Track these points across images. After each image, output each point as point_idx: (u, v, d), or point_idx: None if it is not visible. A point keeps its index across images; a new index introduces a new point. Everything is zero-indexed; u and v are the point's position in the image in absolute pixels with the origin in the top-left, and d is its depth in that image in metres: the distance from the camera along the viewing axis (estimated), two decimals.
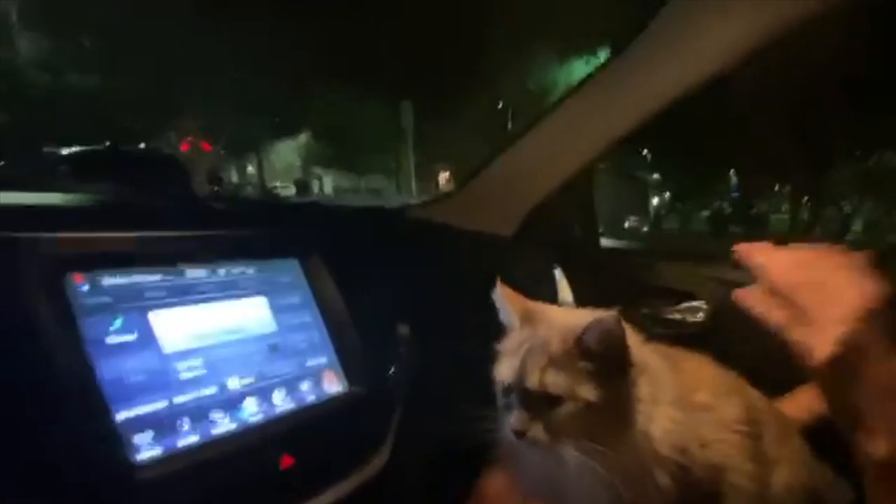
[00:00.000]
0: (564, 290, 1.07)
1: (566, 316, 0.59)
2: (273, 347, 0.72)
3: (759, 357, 0.64)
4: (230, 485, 0.60)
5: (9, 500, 0.48)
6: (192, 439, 0.60)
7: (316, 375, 0.75)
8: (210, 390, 0.63)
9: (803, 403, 0.77)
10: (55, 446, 0.50)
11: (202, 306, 0.67)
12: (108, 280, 0.59)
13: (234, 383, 0.66)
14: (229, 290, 0.70)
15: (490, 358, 0.59)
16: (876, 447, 0.47)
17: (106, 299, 0.58)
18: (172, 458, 0.57)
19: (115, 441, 0.54)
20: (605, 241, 1.29)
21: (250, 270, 0.74)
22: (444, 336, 0.86)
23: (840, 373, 0.46)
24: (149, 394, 0.58)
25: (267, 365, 0.70)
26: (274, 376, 0.70)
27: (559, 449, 0.53)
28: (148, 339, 0.60)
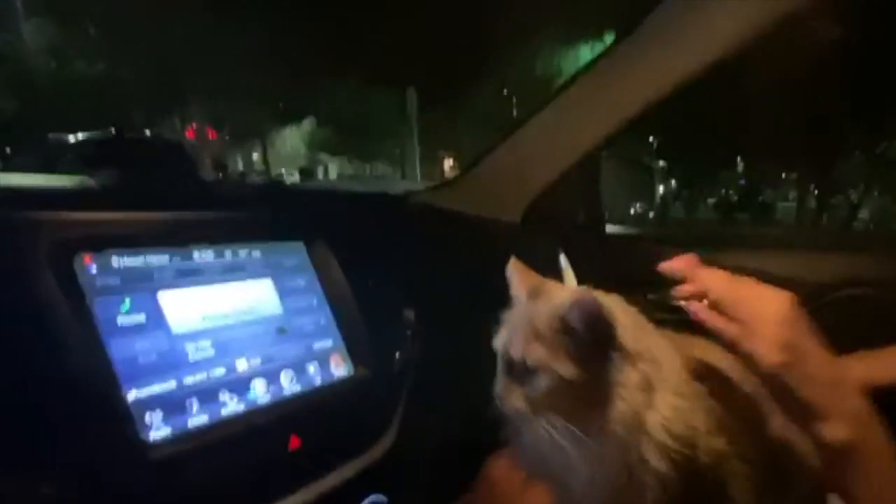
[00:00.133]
0: (569, 276, 1.07)
1: (567, 294, 0.59)
2: (280, 330, 0.72)
3: None
4: (239, 465, 0.61)
5: (24, 478, 0.48)
6: (202, 419, 0.61)
7: (322, 358, 0.76)
8: (219, 371, 0.64)
9: None
10: (69, 425, 0.51)
11: (210, 288, 0.67)
12: (117, 261, 0.60)
13: (242, 365, 0.66)
14: (236, 273, 0.71)
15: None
16: (835, 433, 0.50)
17: (115, 280, 0.59)
18: (182, 438, 0.58)
19: (127, 420, 0.54)
20: (610, 228, 1.29)
21: (256, 253, 0.74)
22: (449, 321, 0.86)
23: (788, 373, 0.51)
24: (159, 374, 0.59)
25: (274, 347, 0.71)
26: (281, 358, 0.71)
27: (534, 421, 0.55)
28: (157, 319, 0.61)
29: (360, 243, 0.85)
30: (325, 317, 0.79)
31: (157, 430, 0.57)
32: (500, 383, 0.56)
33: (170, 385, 0.59)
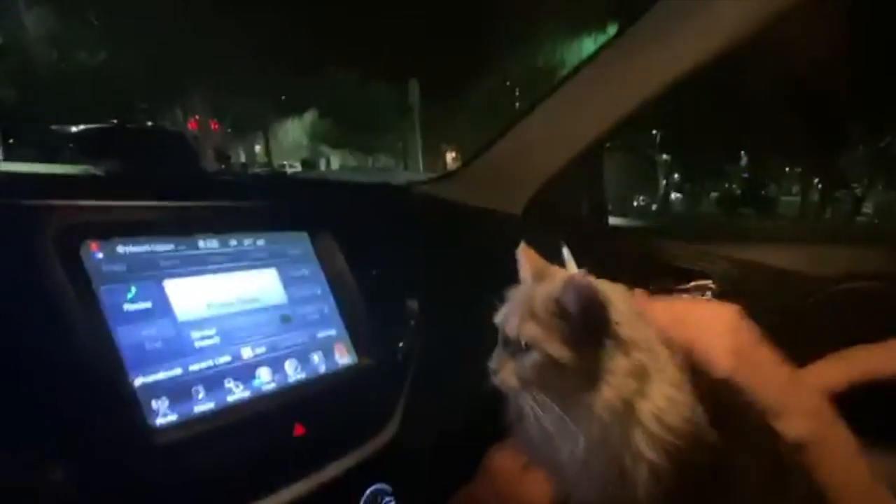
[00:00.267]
0: (572, 268, 1.07)
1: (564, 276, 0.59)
2: (285, 318, 0.73)
3: (767, 336, 0.64)
4: (244, 451, 0.62)
5: (31, 463, 0.49)
6: (207, 406, 0.61)
7: (326, 347, 0.76)
8: (224, 359, 0.65)
9: (813, 381, 0.77)
10: (76, 411, 0.51)
11: (215, 276, 0.68)
12: (123, 248, 0.60)
13: (247, 352, 0.67)
14: (241, 261, 0.71)
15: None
16: (795, 429, 0.53)
17: (121, 267, 0.59)
18: (188, 424, 0.59)
19: (134, 406, 0.55)
20: (613, 220, 1.28)
21: (261, 242, 0.74)
22: (451, 311, 0.87)
23: (741, 377, 0.54)
24: (165, 361, 0.59)
25: (279, 335, 0.71)
26: (285, 347, 0.71)
27: (522, 397, 0.56)
28: (163, 307, 0.61)
29: (363, 233, 0.85)
30: (329, 306, 0.79)
31: (164, 416, 0.58)
32: (495, 358, 0.58)
33: (176, 372, 0.60)
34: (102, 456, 0.52)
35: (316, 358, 0.74)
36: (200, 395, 0.61)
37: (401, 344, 0.82)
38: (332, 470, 0.68)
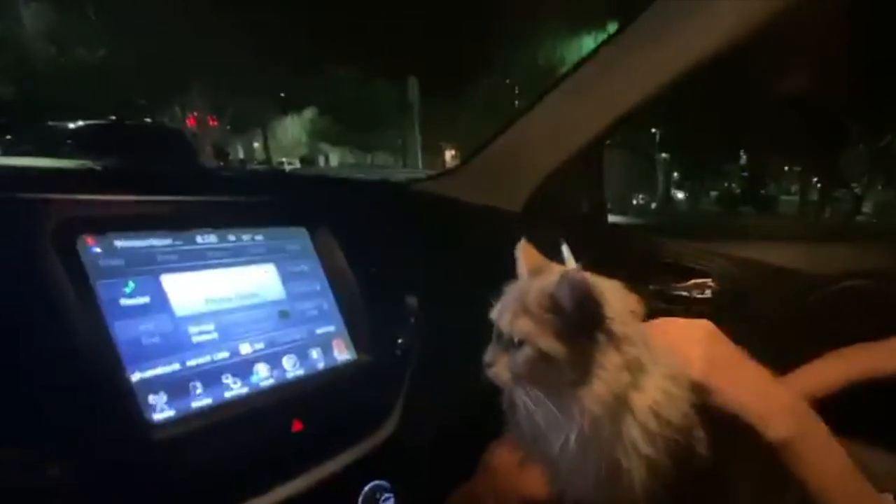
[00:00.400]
0: (571, 265, 1.07)
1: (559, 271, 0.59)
2: (283, 314, 0.72)
3: (767, 334, 0.64)
4: (242, 447, 0.61)
5: (28, 459, 0.49)
6: (205, 402, 0.61)
7: (325, 343, 0.76)
8: (222, 354, 0.64)
9: (812, 379, 0.78)
10: (73, 406, 0.51)
11: (213, 272, 0.67)
12: (120, 243, 0.60)
13: (245, 348, 0.67)
14: (239, 257, 0.71)
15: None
16: (776, 430, 0.54)
17: (118, 262, 0.59)
18: (185, 420, 0.58)
19: (131, 401, 0.55)
20: (612, 218, 1.28)
21: (259, 237, 0.74)
22: (450, 308, 0.86)
23: (718, 382, 0.56)
24: (162, 356, 0.59)
25: (277, 331, 0.71)
26: (284, 343, 0.71)
27: (515, 392, 0.57)
28: (160, 302, 0.61)
29: (362, 230, 0.85)
30: (328, 302, 0.79)
31: (161, 411, 0.57)
32: (489, 352, 0.58)
33: (173, 367, 0.60)
34: (99, 451, 0.51)
35: (314, 354, 0.74)
36: (198, 391, 0.61)
37: (400, 340, 0.82)
38: (331, 466, 0.67)
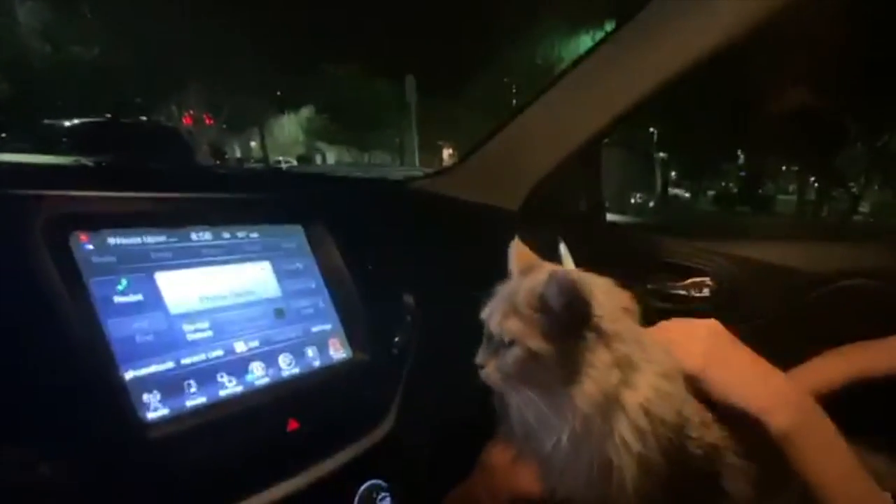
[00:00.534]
0: (569, 265, 1.07)
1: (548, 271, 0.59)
2: (278, 312, 0.72)
3: (765, 332, 0.64)
4: (237, 446, 0.61)
5: (21, 457, 0.48)
6: (200, 400, 0.60)
7: (321, 341, 0.75)
8: (217, 352, 0.64)
9: (810, 377, 0.78)
10: (66, 404, 0.50)
11: (207, 269, 0.67)
12: (114, 240, 0.59)
13: (240, 346, 0.66)
14: (234, 255, 0.70)
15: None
16: (778, 421, 0.54)
17: (111, 259, 0.58)
18: (180, 418, 0.58)
19: (124, 399, 0.54)
20: (610, 217, 1.28)
21: (254, 235, 0.73)
22: (447, 306, 0.86)
23: (718, 375, 0.57)
24: (156, 354, 0.58)
25: (272, 329, 0.70)
26: (279, 341, 0.70)
27: (507, 392, 0.57)
28: (154, 299, 0.60)
29: (358, 228, 0.84)
30: (324, 300, 0.78)
31: (155, 410, 0.57)
32: (481, 353, 0.59)
33: (167, 365, 0.59)
34: (93, 450, 0.51)
35: (310, 352, 0.73)
36: (192, 389, 0.60)
37: (396, 339, 0.82)
38: (327, 465, 0.67)
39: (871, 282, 0.96)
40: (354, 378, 0.77)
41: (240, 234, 0.72)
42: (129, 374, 0.56)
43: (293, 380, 0.70)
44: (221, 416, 0.60)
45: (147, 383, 0.57)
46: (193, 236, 0.67)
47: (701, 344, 0.59)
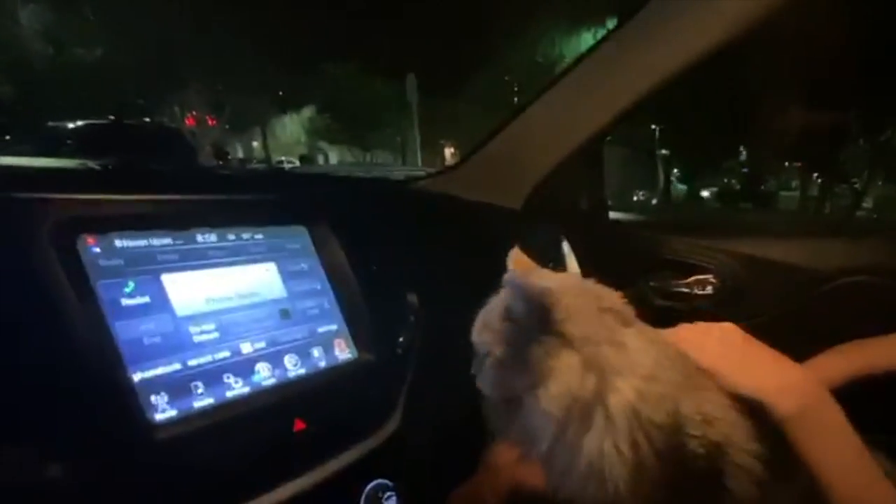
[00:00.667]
0: (572, 263, 1.07)
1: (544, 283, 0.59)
2: (284, 313, 0.72)
3: (768, 329, 0.64)
4: (244, 447, 0.61)
5: (30, 459, 0.49)
6: (207, 401, 0.61)
7: (326, 342, 0.76)
8: (223, 354, 0.64)
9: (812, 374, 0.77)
10: (74, 406, 0.51)
11: (213, 271, 0.67)
12: (120, 242, 0.60)
13: (246, 347, 0.67)
14: (239, 256, 0.71)
15: None
16: (786, 406, 0.54)
17: (118, 262, 0.59)
18: (187, 420, 0.58)
19: (133, 401, 0.55)
20: (613, 214, 1.28)
21: (259, 236, 0.74)
22: (451, 306, 0.86)
23: (728, 364, 0.59)
24: (163, 356, 0.59)
25: (278, 330, 0.71)
26: (285, 342, 0.71)
27: (494, 399, 0.60)
28: (161, 302, 0.61)
29: (362, 228, 0.84)
30: (329, 301, 0.79)
31: (163, 411, 0.57)
32: (474, 365, 0.61)
33: (174, 367, 0.60)
34: (101, 452, 0.51)
35: (316, 353, 0.74)
36: (199, 391, 0.61)
37: (401, 339, 0.82)
38: (333, 465, 0.67)
39: (873, 278, 0.95)
40: (360, 378, 0.77)
41: (245, 236, 0.72)
42: (137, 376, 0.56)
43: (299, 380, 0.70)
44: (228, 416, 0.61)
45: (155, 385, 0.57)
46: (199, 238, 0.67)
47: (715, 341, 0.61)
